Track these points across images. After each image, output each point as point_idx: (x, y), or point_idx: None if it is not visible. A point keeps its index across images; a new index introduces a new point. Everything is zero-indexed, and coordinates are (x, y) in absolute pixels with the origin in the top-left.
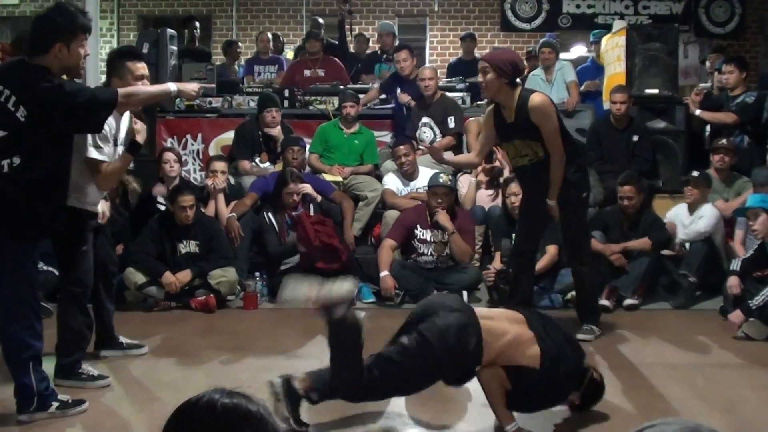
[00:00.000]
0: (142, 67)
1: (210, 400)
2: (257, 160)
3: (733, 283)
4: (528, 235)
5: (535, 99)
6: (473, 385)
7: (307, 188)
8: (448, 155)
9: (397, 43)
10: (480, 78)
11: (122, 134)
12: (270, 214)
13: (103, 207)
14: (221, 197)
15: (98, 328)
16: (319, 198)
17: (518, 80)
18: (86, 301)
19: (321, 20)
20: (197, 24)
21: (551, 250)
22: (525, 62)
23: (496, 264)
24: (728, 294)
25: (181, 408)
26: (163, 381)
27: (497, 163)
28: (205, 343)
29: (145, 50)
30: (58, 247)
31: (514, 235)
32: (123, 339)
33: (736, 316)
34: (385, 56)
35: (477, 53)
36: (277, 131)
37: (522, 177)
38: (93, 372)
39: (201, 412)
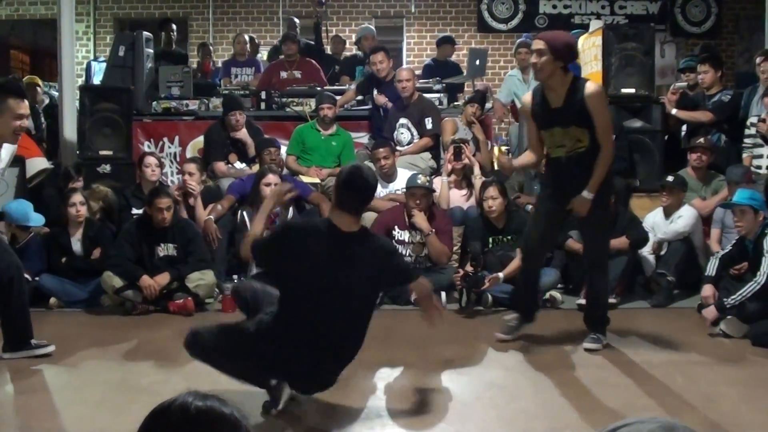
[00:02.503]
0: (24, 107)
1: (183, 404)
2: (234, 162)
3: (707, 294)
4: (544, 235)
5: (593, 86)
6: (454, 385)
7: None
8: (517, 160)
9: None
10: (533, 59)
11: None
12: (245, 214)
13: None
14: (198, 200)
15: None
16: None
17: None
18: None
19: (297, 21)
20: (174, 27)
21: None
22: None
23: (468, 267)
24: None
25: (154, 411)
26: (141, 385)
27: (466, 161)
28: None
29: (121, 53)
30: None
31: (491, 239)
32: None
33: (709, 312)
34: (367, 60)
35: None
36: (242, 134)
37: (553, 169)
38: None
39: (174, 415)
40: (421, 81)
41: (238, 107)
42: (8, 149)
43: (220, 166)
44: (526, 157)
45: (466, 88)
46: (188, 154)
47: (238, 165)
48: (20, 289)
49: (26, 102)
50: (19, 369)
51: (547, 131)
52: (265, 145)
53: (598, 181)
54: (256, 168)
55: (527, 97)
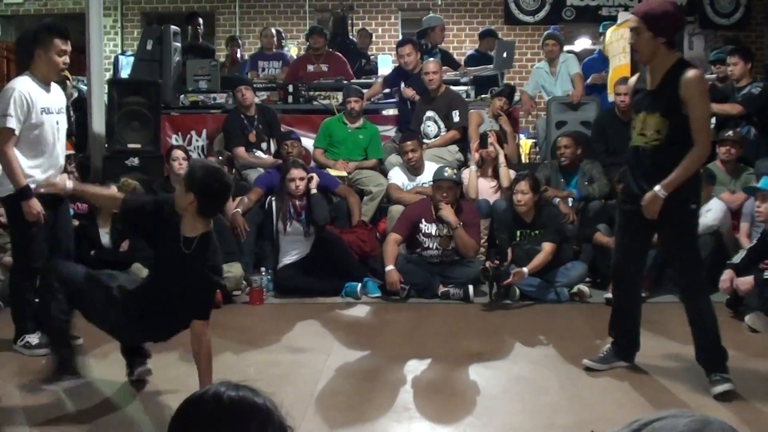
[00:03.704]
0: (68, 45)
1: (216, 393)
2: (258, 152)
3: (725, 277)
4: (630, 247)
5: (694, 72)
6: (480, 378)
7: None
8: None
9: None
10: (631, 39)
11: (56, 104)
12: (273, 201)
13: (62, 180)
14: None
15: None
16: (314, 191)
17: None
18: (34, 277)
19: (331, 15)
20: (200, 20)
21: (547, 248)
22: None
23: (493, 261)
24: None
25: (187, 401)
26: (170, 376)
27: (491, 149)
28: (211, 338)
29: (148, 47)
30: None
31: (519, 232)
32: None
33: (745, 282)
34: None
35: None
36: (252, 110)
37: (630, 162)
38: (32, 341)
39: (207, 405)
40: (449, 73)
41: (243, 83)
42: (59, 90)
43: (240, 151)
44: None
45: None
46: (216, 147)
47: (259, 154)
48: None
49: (69, 41)
50: (43, 359)
51: (637, 115)
52: (282, 138)
53: (678, 179)
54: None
55: (633, 80)
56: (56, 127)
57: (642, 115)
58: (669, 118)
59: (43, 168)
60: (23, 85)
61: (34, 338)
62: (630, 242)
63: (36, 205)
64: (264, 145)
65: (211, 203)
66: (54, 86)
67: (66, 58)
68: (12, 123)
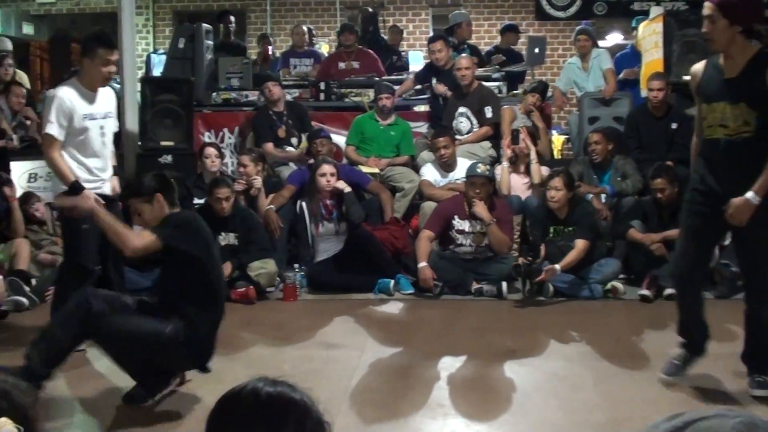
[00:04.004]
0: (113, 55)
1: (254, 389)
2: (288, 148)
3: None
4: (697, 253)
5: None
6: (514, 375)
7: (346, 187)
8: None
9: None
10: (704, 28)
11: (102, 109)
12: (303, 204)
13: (114, 182)
14: (261, 190)
15: None
16: (347, 189)
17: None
18: (84, 278)
19: (360, 12)
20: (232, 18)
21: (580, 245)
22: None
23: (524, 258)
24: None
25: (225, 397)
26: (205, 375)
27: (522, 145)
28: (246, 335)
29: (181, 45)
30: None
31: (552, 228)
32: None
33: None
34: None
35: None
36: (281, 106)
37: (707, 157)
38: None
39: (245, 401)
40: (480, 69)
41: (269, 79)
42: (109, 95)
43: (269, 147)
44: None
45: (526, 77)
46: (248, 145)
47: (289, 149)
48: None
49: (116, 51)
50: (84, 356)
51: (711, 105)
52: (312, 136)
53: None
54: (304, 145)
55: (698, 67)
56: (101, 131)
57: (721, 105)
58: (757, 109)
59: (91, 171)
60: (65, 93)
61: None
62: (700, 246)
63: (89, 194)
64: (294, 141)
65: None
66: (103, 91)
67: (111, 68)
68: (53, 129)
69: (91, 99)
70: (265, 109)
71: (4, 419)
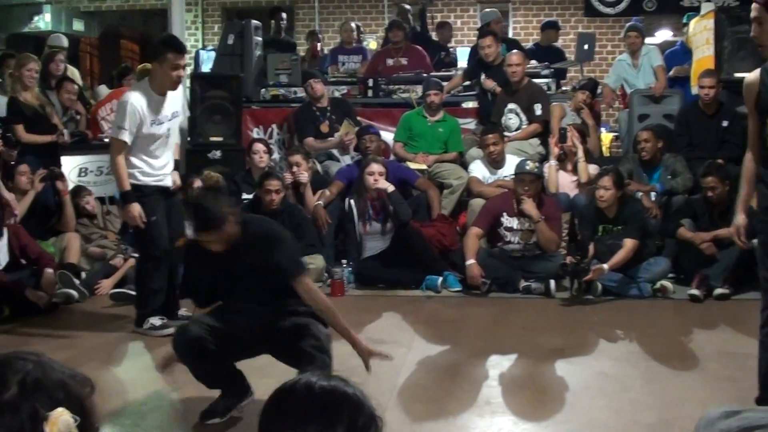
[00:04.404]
0: (182, 59)
1: (308, 383)
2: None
3: None
4: None
5: None
6: (562, 373)
7: (390, 187)
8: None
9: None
10: (753, 32)
11: (169, 111)
12: (352, 202)
13: (175, 177)
14: (308, 187)
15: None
16: (390, 188)
17: None
18: (159, 264)
19: (408, 7)
20: (284, 15)
21: (628, 244)
22: None
23: (572, 257)
24: None
25: (279, 390)
26: (253, 366)
27: (570, 143)
28: None
29: (230, 41)
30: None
31: (601, 227)
32: (182, 311)
33: None
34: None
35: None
36: (324, 101)
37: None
38: (156, 323)
39: (299, 395)
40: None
41: (312, 76)
42: (176, 93)
43: (309, 140)
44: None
45: (571, 74)
46: (296, 141)
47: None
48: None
49: (185, 56)
50: (136, 347)
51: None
52: (362, 132)
53: None
54: (345, 128)
55: (752, 77)
56: (167, 133)
57: None
58: None
59: (153, 167)
60: (137, 100)
61: (156, 320)
62: None
63: (135, 209)
64: (337, 135)
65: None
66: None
67: (180, 72)
68: (125, 136)
69: (160, 103)
70: (309, 105)
71: (60, 409)
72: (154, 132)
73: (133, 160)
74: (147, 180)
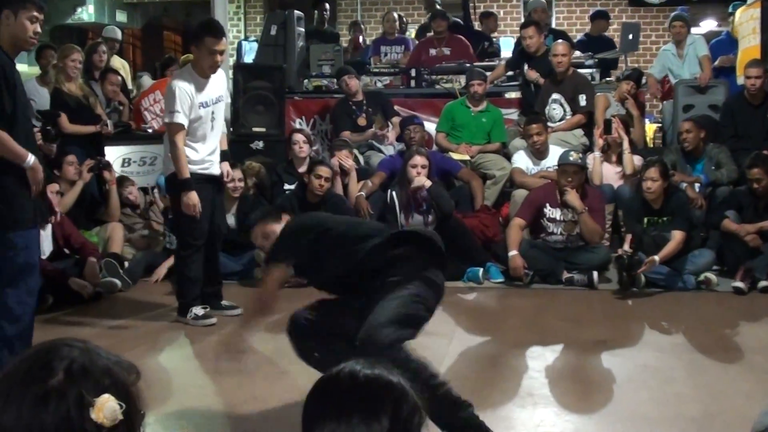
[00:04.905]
0: (220, 44)
1: (352, 371)
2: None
3: None
4: None
5: None
6: (605, 365)
7: (427, 182)
8: None
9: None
10: None
11: (214, 94)
12: (394, 193)
13: (225, 167)
14: (353, 176)
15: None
16: (428, 183)
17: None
18: (197, 254)
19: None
20: (327, 6)
21: (677, 236)
22: None
23: (626, 247)
24: None
25: (322, 379)
26: (293, 356)
27: (615, 134)
28: None
29: (273, 32)
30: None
31: (646, 219)
32: (223, 301)
33: None
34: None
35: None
36: (360, 95)
37: None
38: (199, 312)
39: (343, 383)
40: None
41: (346, 72)
42: (220, 79)
43: (346, 134)
44: None
45: (619, 64)
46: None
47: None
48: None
49: (224, 40)
50: (178, 337)
51: None
52: (405, 123)
53: None
54: (378, 121)
55: None
56: (212, 116)
57: None
58: None
59: (200, 153)
60: (185, 82)
61: (199, 309)
62: None
63: (193, 198)
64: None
65: None
66: (214, 75)
67: (217, 57)
68: (181, 118)
69: (203, 86)
70: (345, 100)
71: (106, 396)
72: (200, 114)
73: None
74: (193, 168)
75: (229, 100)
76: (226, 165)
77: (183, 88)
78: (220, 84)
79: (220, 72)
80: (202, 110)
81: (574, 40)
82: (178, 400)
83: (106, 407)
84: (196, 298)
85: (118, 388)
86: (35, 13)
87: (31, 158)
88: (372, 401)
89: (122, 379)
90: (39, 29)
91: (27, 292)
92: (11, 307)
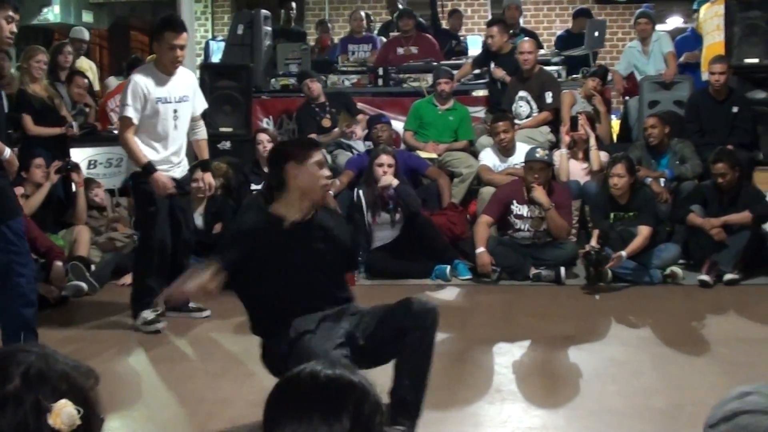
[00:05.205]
0: (179, 38)
1: (313, 371)
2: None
3: None
4: None
5: None
6: (573, 360)
7: (393, 182)
8: None
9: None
10: None
11: (177, 92)
12: (361, 192)
13: (207, 179)
14: None
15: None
16: (395, 183)
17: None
18: (156, 260)
19: None
20: (293, 4)
21: (644, 231)
22: None
23: (593, 242)
24: None
25: (284, 379)
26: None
27: (581, 131)
28: None
29: (239, 31)
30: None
31: (613, 214)
32: (191, 303)
33: None
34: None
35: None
36: (322, 98)
37: None
38: (148, 317)
39: (304, 383)
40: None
41: (308, 76)
42: (187, 78)
43: (312, 137)
44: None
45: (598, 61)
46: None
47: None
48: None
49: (184, 35)
50: (145, 340)
51: None
52: (373, 122)
53: None
54: (344, 119)
55: None
56: (174, 115)
57: None
58: None
59: (160, 154)
60: (141, 77)
61: (149, 314)
62: None
63: (161, 176)
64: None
65: None
66: (180, 73)
67: (177, 52)
68: (129, 112)
69: (164, 82)
70: (308, 103)
71: (64, 401)
72: (158, 109)
73: (141, 145)
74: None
75: (206, 105)
76: (208, 176)
77: (138, 81)
78: (186, 84)
79: (188, 73)
80: (161, 106)
81: (556, 36)
82: (145, 403)
83: (64, 412)
84: (148, 304)
85: (75, 393)
86: (11, 13)
87: (7, 151)
88: (333, 401)
89: (80, 384)
90: (15, 29)
91: (32, 276)
92: (26, 293)
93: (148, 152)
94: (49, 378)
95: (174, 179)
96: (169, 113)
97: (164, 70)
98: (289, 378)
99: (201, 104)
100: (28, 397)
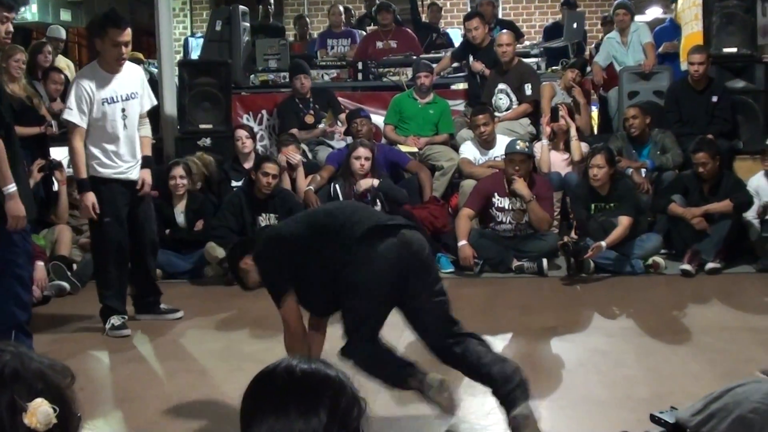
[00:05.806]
0: (122, 35)
1: (289, 366)
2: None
3: None
4: None
5: None
6: (556, 351)
7: (374, 182)
8: None
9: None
10: None
11: (124, 90)
12: (338, 186)
13: (143, 175)
14: (300, 171)
15: (135, 291)
16: (375, 182)
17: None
18: (113, 265)
19: None
20: (271, 0)
21: (624, 221)
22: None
23: (574, 234)
24: None
25: (260, 374)
26: (245, 353)
27: (562, 122)
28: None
29: (218, 28)
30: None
31: (593, 205)
32: (162, 305)
33: None
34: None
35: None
36: (308, 93)
37: None
38: (115, 323)
39: (280, 378)
40: (519, 45)
41: (301, 71)
42: (133, 74)
43: (294, 132)
44: None
45: (585, 53)
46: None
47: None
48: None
49: (127, 30)
50: (126, 340)
51: None
52: (352, 116)
53: None
54: (330, 116)
55: None
56: (123, 114)
57: None
58: None
59: (111, 156)
60: (85, 78)
61: (116, 320)
62: None
63: (89, 198)
64: (322, 125)
65: None
66: (126, 70)
67: (122, 49)
68: (74, 116)
69: (108, 81)
70: (292, 97)
71: (39, 400)
72: (106, 110)
73: (91, 148)
74: (106, 171)
75: (155, 102)
76: (146, 173)
77: (81, 84)
78: (133, 80)
79: (135, 68)
80: (107, 107)
81: (533, 27)
82: (128, 402)
83: (39, 411)
84: (115, 309)
85: (51, 392)
86: (5, 13)
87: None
88: (309, 395)
89: (56, 382)
90: (11, 28)
91: (30, 280)
92: (19, 294)
93: (99, 155)
94: (24, 377)
95: (132, 181)
96: (117, 113)
97: (109, 69)
98: (264, 373)
99: (149, 101)
100: (3, 396)
